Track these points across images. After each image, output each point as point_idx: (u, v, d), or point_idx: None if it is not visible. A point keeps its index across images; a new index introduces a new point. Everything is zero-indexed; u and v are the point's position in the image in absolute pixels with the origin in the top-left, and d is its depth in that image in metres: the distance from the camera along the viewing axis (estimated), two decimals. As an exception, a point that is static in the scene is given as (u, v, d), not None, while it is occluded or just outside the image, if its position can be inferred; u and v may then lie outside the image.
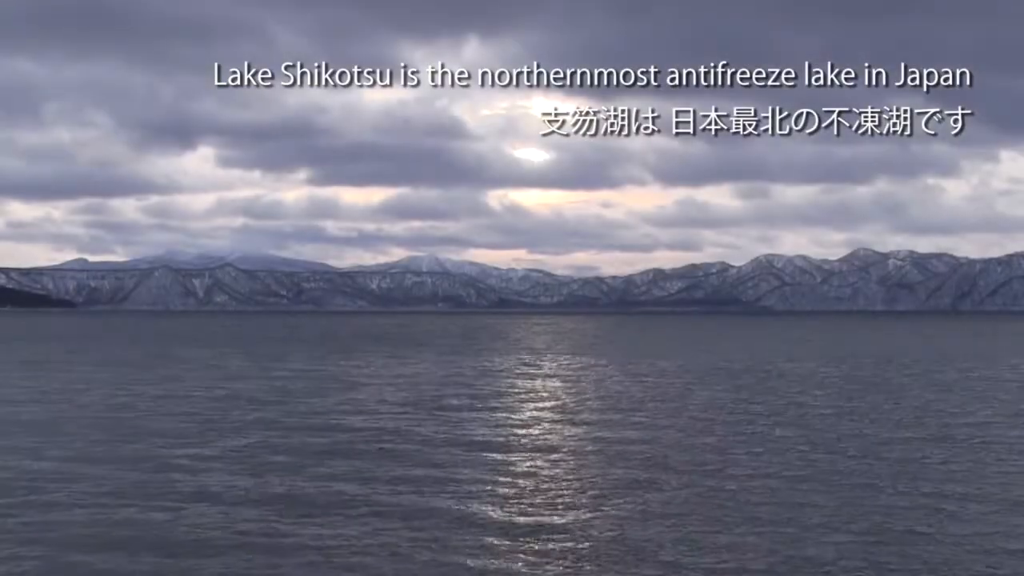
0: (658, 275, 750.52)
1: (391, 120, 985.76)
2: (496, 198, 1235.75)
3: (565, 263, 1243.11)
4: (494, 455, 23.16)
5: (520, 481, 19.85)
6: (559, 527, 15.95)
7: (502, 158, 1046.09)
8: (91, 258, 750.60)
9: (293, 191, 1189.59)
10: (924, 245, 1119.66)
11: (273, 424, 29.15)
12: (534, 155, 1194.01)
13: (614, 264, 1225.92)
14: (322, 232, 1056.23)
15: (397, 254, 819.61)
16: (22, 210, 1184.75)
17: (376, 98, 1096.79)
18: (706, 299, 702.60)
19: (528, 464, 21.87)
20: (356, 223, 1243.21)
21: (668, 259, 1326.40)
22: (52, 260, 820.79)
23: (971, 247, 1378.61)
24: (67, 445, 24.56)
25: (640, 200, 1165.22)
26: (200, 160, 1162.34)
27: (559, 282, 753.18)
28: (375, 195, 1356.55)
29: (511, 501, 17.89)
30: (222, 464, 21.87)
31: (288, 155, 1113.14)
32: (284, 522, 16.35)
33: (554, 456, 23.02)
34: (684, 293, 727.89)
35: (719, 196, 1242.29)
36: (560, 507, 17.41)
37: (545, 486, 19.32)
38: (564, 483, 19.68)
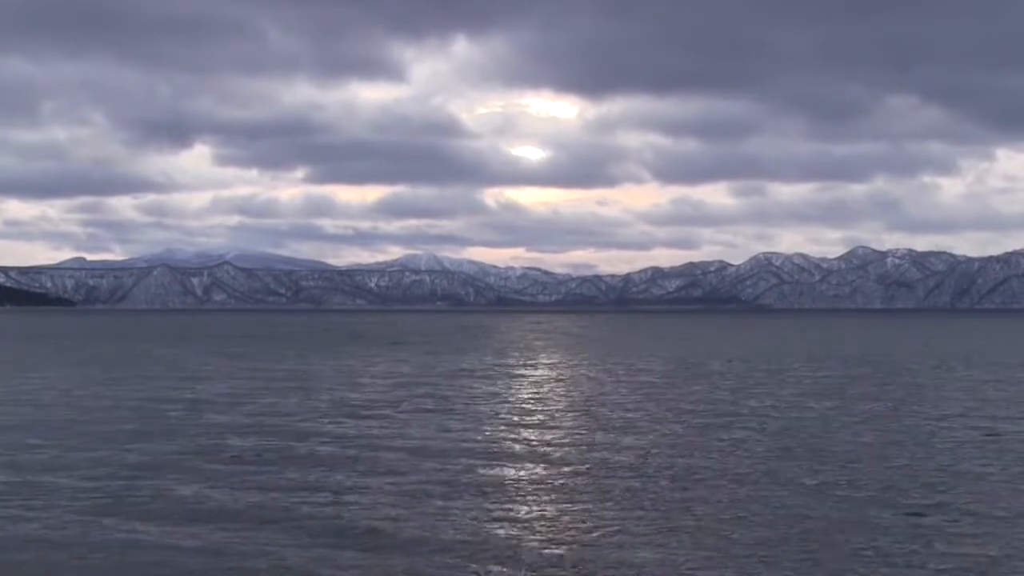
0: (656, 273, 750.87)
1: (388, 118, 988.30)
2: (492, 196, 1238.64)
3: (563, 261, 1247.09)
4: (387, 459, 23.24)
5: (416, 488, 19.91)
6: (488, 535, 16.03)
7: (499, 156, 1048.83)
8: (89, 257, 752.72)
9: (290, 189, 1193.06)
10: (921, 243, 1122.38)
11: (188, 430, 29.26)
12: (531, 153, 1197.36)
13: (612, 262, 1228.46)
14: (319, 230, 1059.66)
15: (395, 252, 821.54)
16: (19, 208, 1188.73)
17: (372, 96, 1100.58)
18: (705, 297, 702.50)
19: (438, 471, 21.92)
20: (352, 221, 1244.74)
21: (666, 257, 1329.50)
22: (51, 259, 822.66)
23: (968, 245, 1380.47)
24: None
25: (636, 198, 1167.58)
26: (197, 158, 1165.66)
27: (557, 280, 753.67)
28: (371, 193, 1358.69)
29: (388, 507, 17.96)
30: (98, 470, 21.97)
31: (285, 153, 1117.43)
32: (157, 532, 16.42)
33: (483, 460, 23.09)
34: (683, 291, 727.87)
35: (715, 194, 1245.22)
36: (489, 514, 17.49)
37: (468, 491, 19.39)
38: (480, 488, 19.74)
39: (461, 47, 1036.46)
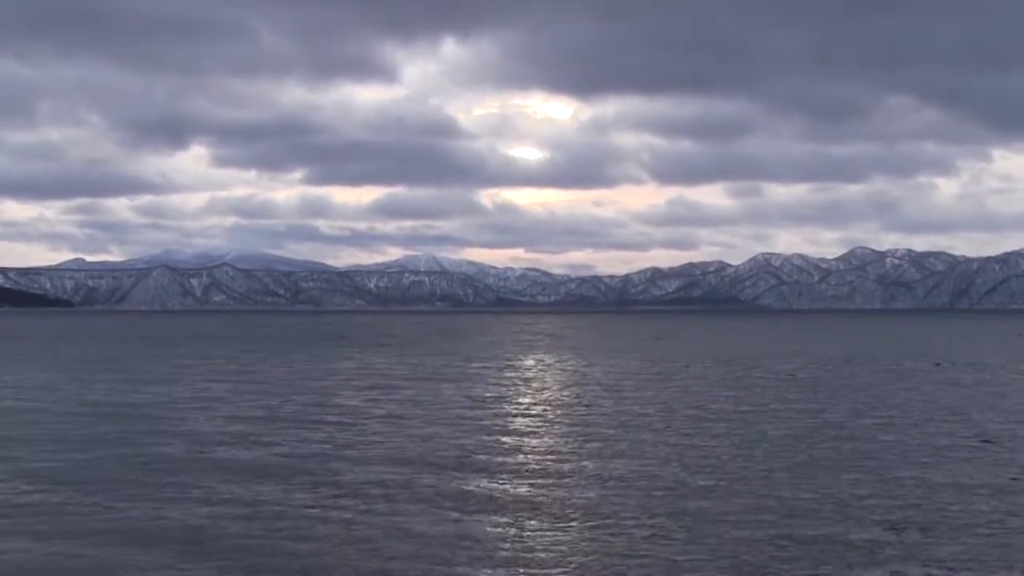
0: (656, 274, 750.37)
1: (384, 119, 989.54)
2: (489, 197, 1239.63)
3: (562, 262, 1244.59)
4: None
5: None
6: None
7: (496, 157, 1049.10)
8: (88, 258, 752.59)
9: (287, 190, 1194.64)
10: (918, 243, 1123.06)
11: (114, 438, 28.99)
12: (528, 154, 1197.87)
13: (611, 263, 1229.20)
14: (315, 231, 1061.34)
15: (393, 253, 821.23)
16: (16, 209, 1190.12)
17: (368, 97, 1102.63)
18: (704, 298, 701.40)
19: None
20: (349, 222, 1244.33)
21: (665, 258, 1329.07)
22: (49, 260, 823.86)
23: (965, 245, 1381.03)
24: None
25: (633, 199, 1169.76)
26: (193, 159, 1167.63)
27: (556, 281, 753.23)
28: (368, 194, 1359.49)
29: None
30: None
31: (282, 154, 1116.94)
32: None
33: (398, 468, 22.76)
34: (682, 292, 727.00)
35: (712, 195, 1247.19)
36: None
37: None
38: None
39: (449, 49, 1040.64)
